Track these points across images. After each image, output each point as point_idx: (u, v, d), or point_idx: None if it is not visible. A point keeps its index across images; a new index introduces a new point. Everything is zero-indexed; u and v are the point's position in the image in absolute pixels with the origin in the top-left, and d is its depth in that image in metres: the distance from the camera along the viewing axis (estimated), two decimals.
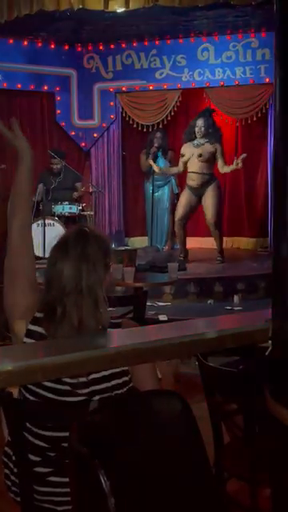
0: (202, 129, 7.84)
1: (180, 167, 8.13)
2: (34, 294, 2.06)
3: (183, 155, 7.98)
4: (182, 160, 8.03)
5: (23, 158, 2.08)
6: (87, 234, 2.04)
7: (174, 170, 8.38)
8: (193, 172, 7.89)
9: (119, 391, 1.98)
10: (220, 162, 7.87)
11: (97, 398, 1.95)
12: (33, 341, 1.99)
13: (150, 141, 8.89)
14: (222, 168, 7.89)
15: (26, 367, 1.39)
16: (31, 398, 1.98)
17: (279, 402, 1.48)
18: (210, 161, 7.86)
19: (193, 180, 7.89)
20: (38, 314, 2.01)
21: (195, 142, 7.90)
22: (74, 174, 8.52)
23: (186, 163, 7.96)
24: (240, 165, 7.72)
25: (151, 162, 8.39)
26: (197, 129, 7.88)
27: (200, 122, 7.89)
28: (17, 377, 1.38)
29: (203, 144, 7.84)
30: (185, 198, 8.00)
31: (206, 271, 7.52)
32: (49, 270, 2.02)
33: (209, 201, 7.86)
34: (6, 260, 2.08)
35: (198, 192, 7.89)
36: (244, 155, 7.82)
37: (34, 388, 1.96)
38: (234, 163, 7.74)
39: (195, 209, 8.06)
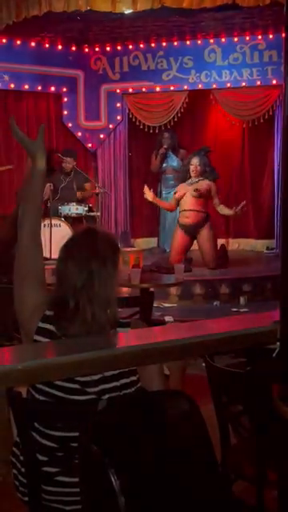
0: (198, 167, 7.56)
1: (172, 204, 7.88)
2: (44, 292, 2.09)
3: (176, 192, 7.74)
4: (174, 197, 7.77)
5: (36, 164, 2.14)
6: (96, 233, 2.09)
7: (166, 204, 8.13)
8: (187, 210, 7.59)
9: (127, 390, 1.99)
10: (216, 201, 7.62)
11: (106, 396, 1.95)
12: (43, 338, 2.00)
13: (159, 142, 8.90)
14: (222, 209, 7.66)
15: (36, 367, 1.40)
16: (40, 397, 1.99)
17: (287, 403, 1.48)
18: (205, 198, 7.59)
19: (187, 217, 7.58)
20: (48, 312, 2.03)
21: (189, 181, 7.64)
22: (82, 175, 8.52)
23: (178, 200, 7.69)
24: (239, 213, 7.53)
25: (145, 190, 7.86)
26: (192, 167, 7.60)
27: (195, 161, 7.61)
28: (26, 376, 1.39)
29: (197, 182, 7.58)
30: (177, 241, 7.69)
31: (212, 273, 7.51)
32: (60, 269, 2.04)
33: (206, 245, 7.61)
34: (15, 260, 2.11)
35: (192, 231, 7.61)
36: (244, 203, 7.59)
37: (43, 387, 1.97)
38: (233, 210, 7.52)
39: (189, 248, 7.81)
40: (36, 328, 2.02)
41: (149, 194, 7.82)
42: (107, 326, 1.99)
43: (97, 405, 1.89)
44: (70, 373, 1.52)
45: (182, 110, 9.10)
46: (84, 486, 1.31)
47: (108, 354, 1.53)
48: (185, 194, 7.62)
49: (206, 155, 7.75)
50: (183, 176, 7.82)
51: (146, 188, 7.87)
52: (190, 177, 7.66)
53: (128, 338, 1.88)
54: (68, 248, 2.06)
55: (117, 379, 1.98)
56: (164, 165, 8.95)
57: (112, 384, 1.97)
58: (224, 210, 7.69)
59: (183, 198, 7.64)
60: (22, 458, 2.03)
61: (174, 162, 8.89)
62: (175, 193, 7.77)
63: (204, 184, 7.57)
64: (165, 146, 8.79)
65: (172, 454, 1.36)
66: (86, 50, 9.23)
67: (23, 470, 2.02)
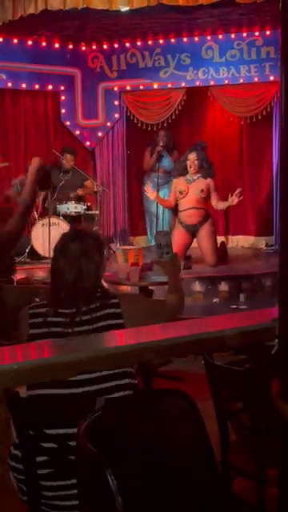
0: (196, 162, 7.45)
1: (171, 202, 7.75)
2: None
3: (178, 191, 7.56)
4: (174, 196, 7.64)
5: None
6: (82, 233, 2.39)
7: (167, 202, 7.95)
8: (189, 208, 7.50)
9: (120, 393, 1.99)
10: (214, 198, 7.52)
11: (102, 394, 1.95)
12: (38, 330, 2.12)
13: (154, 140, 8.87)
14: (216, 204, 7.54)
15: (33, 366, 1.39)
16: (39, 393, 1.99)
17: (286, 400, 1.48)
18: (206, 196, 7.52)
19: (190, 216, 7.51)
20: (41, 310, 2.21)
21: (188, 177, 7.54)
22: (80, 174, 8.49)
23: (177, 199, 7.59)
24: (235, 201, 7.36)
25: (146, 189, 7.90)
26: (189, 162, 7.48)
27: (192, 156, 7.50)
28: (24, 376, 1.38)
29: (197, 179, 7.50)
30: (178, 239, 7.43)
31: (211, 270, 7.50)
32: (53, 269, 2.33)
33: (206, 243, 7.55)
34: None
35: (193, 229, 7.56)
36: (239, 190, 7.44)
37: (41, 385, 1.97)
38: (229, 200, 7.39)
39: (189, 246, 7.73)
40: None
41: (151, 194, 7.88)
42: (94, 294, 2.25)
43: (94, 403, 1.88)
44: (67, 372, 1.51)
45: (180, 108, 9.08)
46: (81, 486, 1.30)
47: (106, 352, 1.52)
48: (188, 192, 7.58)
49: (202, 150, 7.70)
50: (179, 172, 7.77)
51: (147, 187, 7.93)
52: (188, 172, 7.61)
53: (126, 337, 1.87)
54: (59, 250, 2.35)
55: (111, 379, 1.98)
56: (157, 164, 8.91)
57: (107, 384, 1.97)
58: (219, 205, 7.58)
59: (186, 197, 7.58)
60: (20, 457, 2.03)
61: (165, 162, 8.83)
62: (181, 192, 7.66)
63: (203, 183, 7.54)
64: (161, 144, 8.75)
65: (170, 453, 1.35)
66: (83, 48, 9.21)
67: (22, 469, 2.02)
